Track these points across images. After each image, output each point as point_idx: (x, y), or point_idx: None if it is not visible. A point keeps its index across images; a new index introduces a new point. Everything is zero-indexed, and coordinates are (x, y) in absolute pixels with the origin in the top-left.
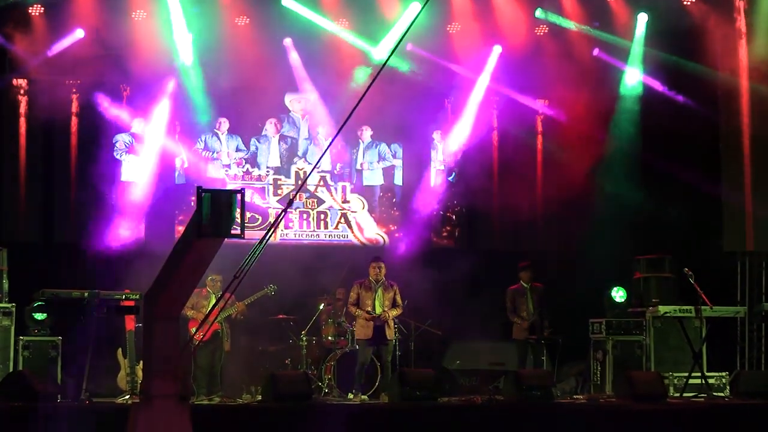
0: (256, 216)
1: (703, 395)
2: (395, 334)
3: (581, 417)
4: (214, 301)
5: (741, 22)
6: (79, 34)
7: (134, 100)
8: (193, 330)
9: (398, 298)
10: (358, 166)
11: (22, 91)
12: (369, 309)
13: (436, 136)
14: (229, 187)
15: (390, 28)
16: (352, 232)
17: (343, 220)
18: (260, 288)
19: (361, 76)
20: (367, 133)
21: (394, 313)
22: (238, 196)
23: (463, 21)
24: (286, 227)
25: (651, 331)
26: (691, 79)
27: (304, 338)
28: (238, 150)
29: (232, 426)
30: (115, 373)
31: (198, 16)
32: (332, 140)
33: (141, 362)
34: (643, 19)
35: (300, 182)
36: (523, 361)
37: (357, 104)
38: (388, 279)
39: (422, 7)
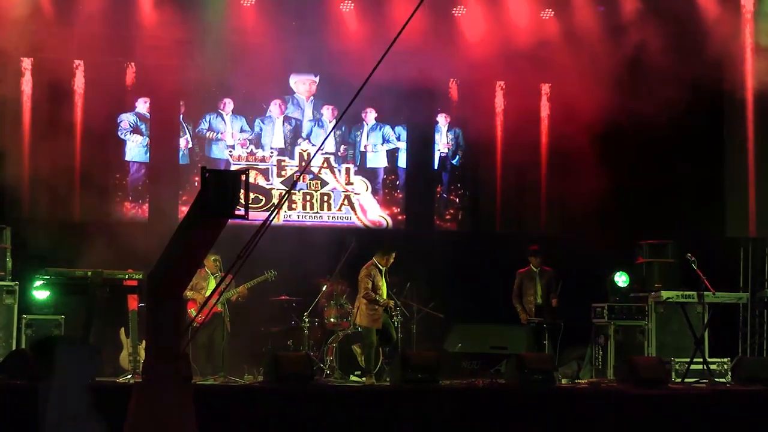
0: (260, 197)
1: (704, 381)
2: (399, 317)
3: (582, 401)
4: (212, 281)
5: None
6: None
7: (139, 79)
8: (192, 312)
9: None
10: (362, 148)
11: (27, 69)
12: (386, 298)
13: (441, 119)
14: (233, 167)
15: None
16: (356, 214)
17: (346, 202)
18: (261, 272)
19: None
20: (371, 116)
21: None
22: (242, 176)
23: (468, 4)
24: (290, 208)
25: (653, 316)
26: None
27: (306, 320)
28: (242, 131)
29: (235, 406)
30: (117, 352)
31: None
32: (336, 122)
33: (143, 342)
34: None
35: (304, 164)
36: (531, 344)
37: (361, 87)
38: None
39: None
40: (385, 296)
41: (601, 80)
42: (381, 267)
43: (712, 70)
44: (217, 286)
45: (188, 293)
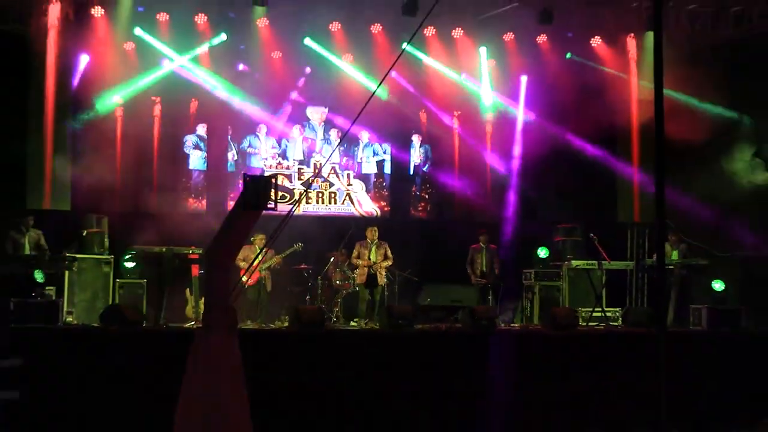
0: (285, 195)
1: (602, 324)
2: (385, 279)
3: (516, 340)
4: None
5: (632, 60)
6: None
7: (200, 111)
8: (243, 277)
9: (388, 252)
10: (359, 160)
11: (119, 107)
12: (367, 260)
13: (415, 138)
14: (266, 174)
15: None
16: (354, 207)
17: (347, 198)
18: (291, 245)
19: None
20: (365, 136)
21: (386, 263)
22: (273, 180)
23: (432, 53)
24: (307, 203)
25: (566, 279)
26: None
27: (319, 282)
28: (272, 147)
29: (268, 345)
30: (184, 306)
31: (246, 53)
32: (340, 141)
33: (203, 298)
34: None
35: (317, 171)
36: (481, 299)
37: (357, 116)
38: (380, 239)
39: (403, 48)
40: (374, 261)
41: (529, 112)
42: (369, 241)
43: (610, 110)
44: (255, 258)
45: (240, 263)
